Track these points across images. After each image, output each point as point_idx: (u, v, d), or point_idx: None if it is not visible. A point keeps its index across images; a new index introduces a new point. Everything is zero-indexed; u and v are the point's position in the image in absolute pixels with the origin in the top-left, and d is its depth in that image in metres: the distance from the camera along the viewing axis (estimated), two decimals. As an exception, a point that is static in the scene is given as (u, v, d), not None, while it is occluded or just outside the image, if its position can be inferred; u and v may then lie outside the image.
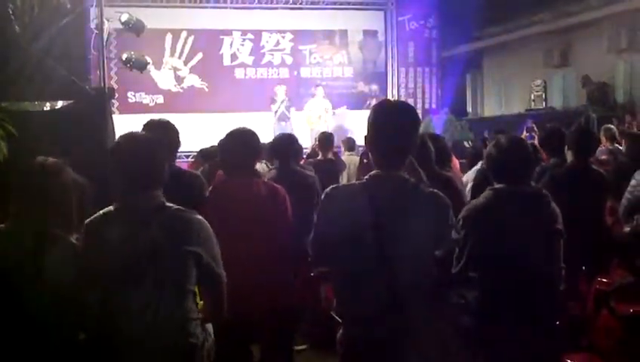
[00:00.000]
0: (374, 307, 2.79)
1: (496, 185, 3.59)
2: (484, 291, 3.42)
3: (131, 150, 2.98)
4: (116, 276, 2.87)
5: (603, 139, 8.96)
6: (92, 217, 2.97)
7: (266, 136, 6.03)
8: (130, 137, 3.05)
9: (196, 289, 3.07)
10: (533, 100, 17.96)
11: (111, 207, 2.95)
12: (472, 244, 3.39)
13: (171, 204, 2.97)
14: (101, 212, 2.96)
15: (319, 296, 3.72)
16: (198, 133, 12.48)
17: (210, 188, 4.41)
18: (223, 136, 4.50)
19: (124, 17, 13.35)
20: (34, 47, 11.45)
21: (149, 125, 4.26)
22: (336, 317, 2.94)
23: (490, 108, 20.81)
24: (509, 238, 3.41)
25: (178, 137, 4.42)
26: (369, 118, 2.91)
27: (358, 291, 2.84)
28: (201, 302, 3.15)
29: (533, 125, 14.00)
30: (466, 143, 14.82)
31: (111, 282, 2.89)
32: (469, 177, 6.35)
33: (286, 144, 6.00)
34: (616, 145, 8.97)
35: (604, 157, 8.38)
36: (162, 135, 3.87)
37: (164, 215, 2.92)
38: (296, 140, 6.36)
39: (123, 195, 2.94)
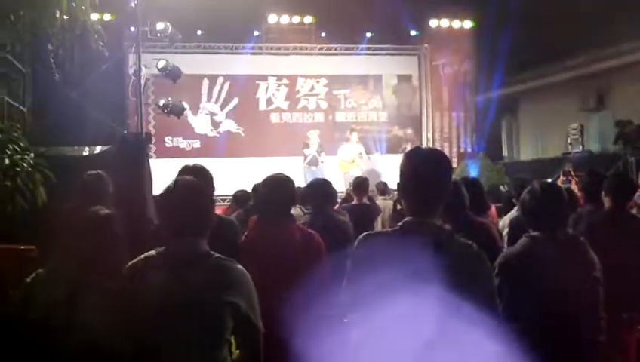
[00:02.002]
0: (398, 358, 2.74)
1: (532, 233, 3.54)
2: (522, 341, 3.35)
3: (180, 197, 2.97)
4: (152, 322, 2.84)
5: (641, 183, 8.80)
6: (134, 261, 2.95)
7: (297, 181, 6.06)
8: (179, 183, 3.04)
9: (232, 339, 3.04)
10: (570, 144, 17.79)
11: (153, 252, 2.94)
12: (508, 293, 3.34)
13: (214, 253, 2.95)
14: (143, 256, 2.95)
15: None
16: (234, 177, 12.58)
17: (244, 234, 4.42)
18: (257, 180, 4.53)
19: (162, 64, 13.60)
20: (73, 93, 11.74)
21: (185, 171, 4.30)
22: None
23: (527, 152, 20.65)
24: (546, 287, 3.35)
25: (212, 182, 4.46)
26: (401, 165, 2.89)
27: (384, 340, 2.79)
28: (237, 352, 3.12)
29: (570, 170, 13.85)
30: (502, 187, 14.68)
31: (146, 328, 2.86)
32: (505, 223, 6.27)
33: (320, 189, 6.01)
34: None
35: (642, 201, 8.23)
36: (201, 181, 3.90)
37: (205, 263, 2.90)
38: (331, 185, 6.36)
39: (167, 241, 2.94)
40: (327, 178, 8.48)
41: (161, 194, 3.04)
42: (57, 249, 3.10)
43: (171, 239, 2.93)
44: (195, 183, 3.11)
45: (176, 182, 3.04)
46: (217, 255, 2.95)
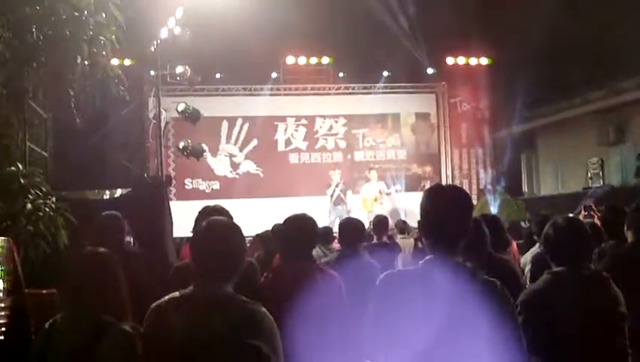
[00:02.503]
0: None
1: (555, 268, 3.51)
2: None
3: (211, 237, 2.93)
4: (173, 364, 2.83)
5: (665, 217, 8.67)
6: (158, 302, 2.92)
7: (321, 221, 6.08)
8: (212, 223, 2.99)
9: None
10: (591, 178, 17.68)
11: (177, 293, 2.92)
12: (531, 331, 3.30)
13: (239, 296, 2.91)
14: (167, 297, 2.92)
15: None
16: (254, 218, 12.58)
17: (265, 275, 4.41)
18: (276, 221, 4.54)
19: (181, 107, 13.75)
20: (94, 137, 11.88)
21: (205, 212, 4.30)
22: None
23: (547, 187, 20.55)
24: (569, 323, 3.31)
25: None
26: (421, 203, 2.89)
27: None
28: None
29: (592, 204, 13.71)
30: (522, 223, 14.57)
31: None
32: (526, 259, 6.22)
33: (354, 229, 6.03)
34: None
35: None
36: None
37: (229, 306, 2.86)
38: (364, 226, 6.37)
39: (194, 282, 2.90)
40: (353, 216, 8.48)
41: (192, 236, 3.01)
42: (68, 291, 3.12)
43: (198, 280, 2.90)
44: (231, 224, 3.07)
45: (210, 223, 3.00)
46: (242, 298, 2.91)
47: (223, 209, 4.47)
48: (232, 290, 2.93)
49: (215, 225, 2.99)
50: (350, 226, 6.11)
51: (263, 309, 2.94)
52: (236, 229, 3.03)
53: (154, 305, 2.95)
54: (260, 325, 2.90)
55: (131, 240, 6.80)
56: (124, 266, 3.32)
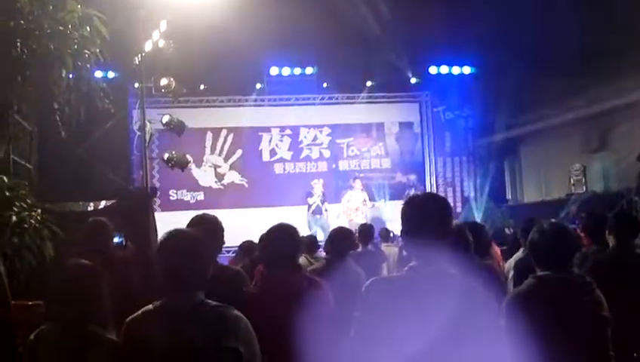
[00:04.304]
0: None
1: (539, 273, 3.56)
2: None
3: (174, 249, 2.97)
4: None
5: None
6: (132, 316, 2.95)
7: (301, 230, 6.11)
8: (174, 235, 3.02)
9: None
10: (573, 185, 17.80)
11: (150, 306, 2.94)
12: (516, 333, 3.34)
13: (210, 301, 2.95)
14: (141, 311, 2.94)
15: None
16: (239, 228, 12.56)
17: (252, 284, 4.43)
18: (262, 230, 4.54)
19: (166, 118, 13.75)
20: (79, 150, 11.86)
21: (197, 221, 4.29)
22: None
23: (530, 194, 20.64)
24: (553, 326, 3.36)
25: (223, 235, 4.45)
26: (402, 212, 2.94)
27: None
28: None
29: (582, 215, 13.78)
30: (506, 230, 14.67)
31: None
32: (510, 265, 6.28)
33: (343, 238, 6.08)
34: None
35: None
36: (211, 231, 3.93)
37: (202, 312, 2.90)
38: (353, 234, 6.40)
39: (164, 294, 2.94)
40: (333, 226, 8.52)
41: (158, 248, 3.04)
42: (54, 303, 3.14)
43: (168, 292, 2.93)
44: (188, 235, 3.10)
45: (170, 234, 3.03)
46: (213, 303, 2.94)
47: (216, 219, 4.46)
48: (203, 298, 2.96)
49: (176, 237, 3.02)
50: (342, 236, 6.16)
51: (236, 312, 2.97)
52: (198, 238, 3.07)
53: (129, 319, 2.97)
54: (235, 327, 2.93)
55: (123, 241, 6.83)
56: (113, 271, 3.35)
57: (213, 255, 3.15)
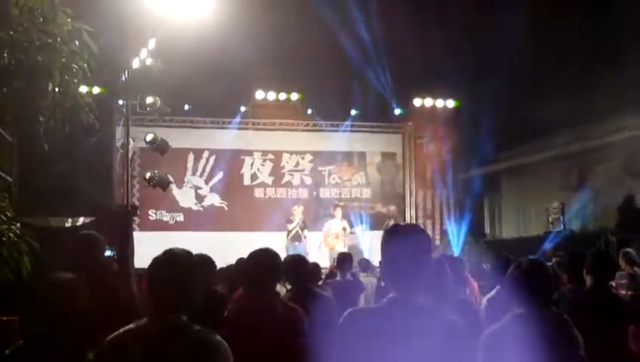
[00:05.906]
0: None
1: (518, 309, 3.57)
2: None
3: (165, 268, 2.97)
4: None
5: (622, 263, 8.86)
6: (114, 334, 2.93)
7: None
8: (166, 257, 3.01)
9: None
10: (551, 223, 17.93)
11: (132, 325, 2.93)
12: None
13: (193, 325, 2.94)
14: (122, 330, 2.93)
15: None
16: (218, 251, 12.47)
17: (229, 308, 4.41)
18: (240, 255, 4.54)
19: (150, 137, 13.67)
20: (60, 164, 11.78)
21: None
22: None
23: (509, 230, 20.75)
24: (529, 363, 3.37)
25: (213, 267, 4.43)
26: (382, 243, 2.94)
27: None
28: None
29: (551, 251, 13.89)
30: (484, 265, 14.70)
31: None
32: (484, 302, 6.28)
33: (298, 265, 5.97)
34: (636, 268, 8.85)
35: (623, 281, 8.28)
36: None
37: (183, 335, 2.89)
38: (307, 261, 6.31)
39: (149, 312, 2.93)
40: (312, 254, 8.49)
41: (149, 266, 3.04)
42: (32, 318, 3.10)
43: (153, 310, 2.93)
44: (183, 257, 3.09)
45: (166, 253, 3.03)
46: (197, 327, 2.94)
47: (210, 258, 4.43)
48: (187, 320, 2.95)
49: (171, 256, 3.01)
50: (295, 263, 5.96)
51: (218, 337, 2.97)
52: (191, 261, 3.07)
53: (109, 337, 2.95)
54: (214, 352, 2.92)
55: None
56: (102, 285, 3.32)
57: (201, 282, 3.13)
